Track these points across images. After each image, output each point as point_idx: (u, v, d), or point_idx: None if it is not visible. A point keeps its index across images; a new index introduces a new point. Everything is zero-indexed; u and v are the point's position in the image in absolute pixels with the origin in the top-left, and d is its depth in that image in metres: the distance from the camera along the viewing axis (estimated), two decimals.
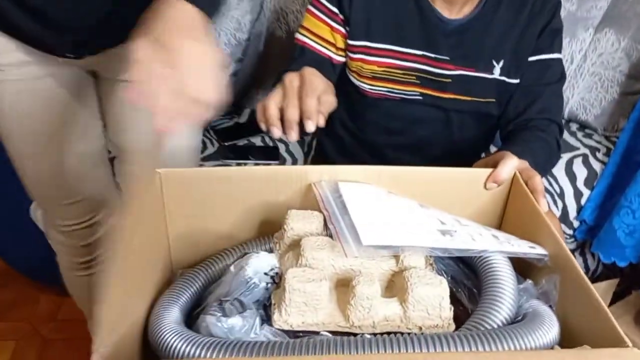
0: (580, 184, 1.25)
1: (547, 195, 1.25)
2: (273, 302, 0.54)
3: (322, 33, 0.95)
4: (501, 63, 0.93)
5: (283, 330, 0.52)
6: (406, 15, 0.92)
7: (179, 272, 0.68)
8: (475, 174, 0.68)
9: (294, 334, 0.52)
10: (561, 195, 1.24)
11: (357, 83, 0.98)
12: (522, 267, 0.61)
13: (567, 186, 1.25)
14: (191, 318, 0.57)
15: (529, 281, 0.58)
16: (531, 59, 0.93)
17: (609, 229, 1.12)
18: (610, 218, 1.13)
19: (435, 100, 0.96)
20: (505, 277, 0.56)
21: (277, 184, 0.66)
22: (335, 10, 0.94)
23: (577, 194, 1.24)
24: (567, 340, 0.52)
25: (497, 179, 0.67)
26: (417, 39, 0.92)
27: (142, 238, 0.56)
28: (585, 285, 0.51)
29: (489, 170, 0.68)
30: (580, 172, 1.26)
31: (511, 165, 0.68)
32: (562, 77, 0.96)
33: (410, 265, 0.57)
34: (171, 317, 0.53)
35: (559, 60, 0.95)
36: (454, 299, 0.61)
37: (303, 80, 0.68)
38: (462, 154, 1.01)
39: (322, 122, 0.67)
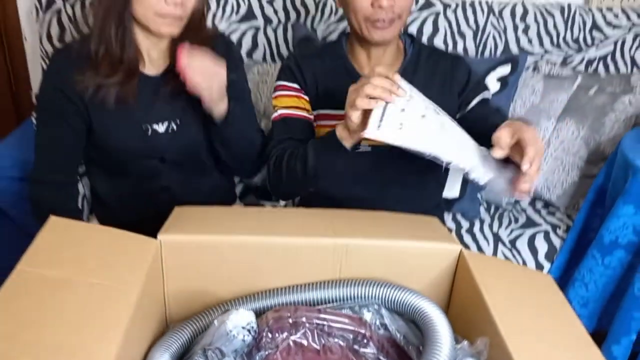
0: (541, 257, 1.37)
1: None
2: None
3: (295, 104, 1.10)
4: None
5: None
6: (341, 81, 1.00)
7: (171, 325, 0.79)
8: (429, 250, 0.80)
9: None
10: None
11: None
12: (460, 327, 0.72)
13: (529, 259, 1.37)
14: None
15: (465, 342, 0.69)
16: (470, 106, 1.08)
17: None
18: (566, 291, 1.24)
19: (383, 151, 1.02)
20: (444, 340, 0.67)
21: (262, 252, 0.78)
22: (297, 86, 1.11)
23: (539, 267, 1.35)
24: None
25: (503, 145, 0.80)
26: None
27: (140, 296, 0.67)
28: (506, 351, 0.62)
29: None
30: (542, 247, 1.38)
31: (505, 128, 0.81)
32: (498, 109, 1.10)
33: None
34: None
35: (489, 98, 1.10)
36: (406, 356, 0.72)
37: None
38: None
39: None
